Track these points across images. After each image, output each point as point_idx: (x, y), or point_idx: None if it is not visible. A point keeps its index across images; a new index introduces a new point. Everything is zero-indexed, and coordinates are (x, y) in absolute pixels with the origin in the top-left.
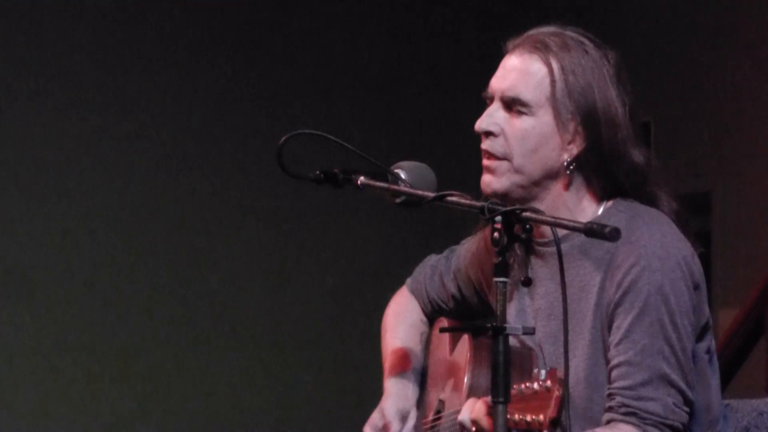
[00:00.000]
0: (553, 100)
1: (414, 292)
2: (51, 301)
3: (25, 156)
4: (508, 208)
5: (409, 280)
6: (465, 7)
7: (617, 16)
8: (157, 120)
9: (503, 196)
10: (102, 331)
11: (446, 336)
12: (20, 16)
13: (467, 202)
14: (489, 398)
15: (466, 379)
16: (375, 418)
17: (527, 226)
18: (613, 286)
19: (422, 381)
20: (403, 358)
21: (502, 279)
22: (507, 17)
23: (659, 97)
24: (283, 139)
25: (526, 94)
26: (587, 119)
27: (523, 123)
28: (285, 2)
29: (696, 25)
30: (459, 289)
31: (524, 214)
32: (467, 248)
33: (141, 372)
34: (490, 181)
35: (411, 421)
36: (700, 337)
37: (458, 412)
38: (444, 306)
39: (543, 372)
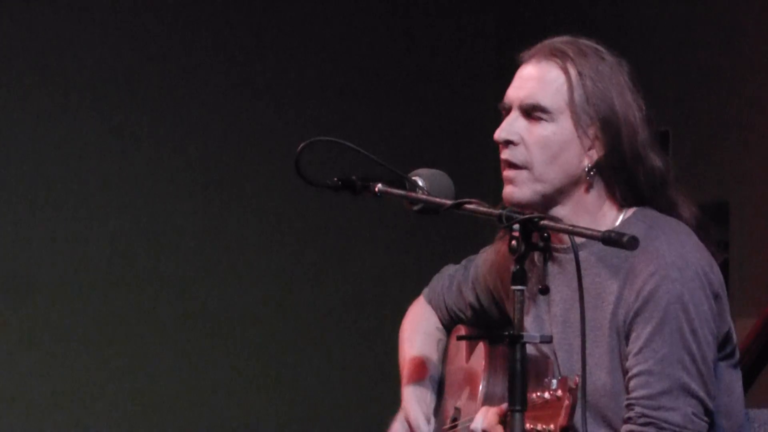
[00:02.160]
0: (572, 105)
1: (431, 302)
2: (51, 301)
3: (25, 156)
4: (526, 216)
5: (426, 290)
6: (483, 15)
7: (635, 26)
8: (165, 123)
9: (526, 206)
10: (103, 331)
11: (463, 344)
12: (23, 14)
13: (485, 209)
14: (502, 406)
15: (481, 387)
16: (398, 429)
17: (545, 235)
18: (632, 296)
19: (439, 389)
20: (421, 366)
21: (519, 287)
22: (525, 27)
23: (677, 106)
24: (301, 146)
25: (545, 100)
26: (606, 124)
27: (543, 130)
28: (302, 9)
29: (715, 34)
30: (477, 299)
31: (542, 222)
32: (485, 257)
33: (144, 373)
34: (512, 192)
35: (431, 428)
36: (722, 346)
37: (473, 420)
38: (462, 315)
39: (554, 381)
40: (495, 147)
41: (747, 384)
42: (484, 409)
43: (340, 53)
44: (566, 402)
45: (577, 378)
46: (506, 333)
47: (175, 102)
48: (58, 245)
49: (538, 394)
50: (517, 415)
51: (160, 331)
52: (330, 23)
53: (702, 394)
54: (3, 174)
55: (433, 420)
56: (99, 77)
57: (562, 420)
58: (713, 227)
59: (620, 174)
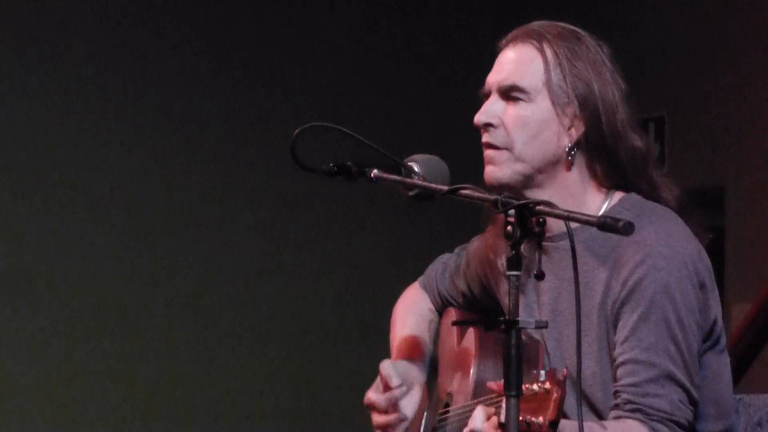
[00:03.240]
0: (549, 84)
1: (425, 287)
2: (52, 301)
3: (25, 155)
4: (522, 201)
5: (420, 278)
6: (481, 2)
7: (630, 11)
8: (160, 115)
9: (507, 186)
10: (105, 331)
11: (454, 327)
12: (26, 12)
13: (480, 195)
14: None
15: (472, 374)
16: (376, 382)
17: (540, 220)
18: (619, 285)
19: (433, 371)
20: (411, 345)
21: (514, 272)
22: (522, 12)
23: (673, 91)
24: (296, 131)
25: (522, 81)
26: (585, 102)
27: (521, 110)
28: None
29: (711, 18)
30: (468, 286)
31: (538, 207)
32: (477, 245)
33: (146, 373)
34: (492, 171)
35: (416, 396)
36: (708, 334)
37: (465, 409)
38: (454, 302)
39: (542, 373)
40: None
41: (742, 369)
42: (480, 408)
43: (337, 41)
44: (555, 395)
45: (565, 370)
46: (501, 318)
47: (170, 95)
48: (57, 245)
49: (526, 386)
50: (513, 401)
51: (157, 326)
52: (327, 11)
53: (687, 383)
54: (3, 174)
55: (417, 389)
56: (98, 72)
57: (551, 414)
58: (706, 218)
59: (601, 153)
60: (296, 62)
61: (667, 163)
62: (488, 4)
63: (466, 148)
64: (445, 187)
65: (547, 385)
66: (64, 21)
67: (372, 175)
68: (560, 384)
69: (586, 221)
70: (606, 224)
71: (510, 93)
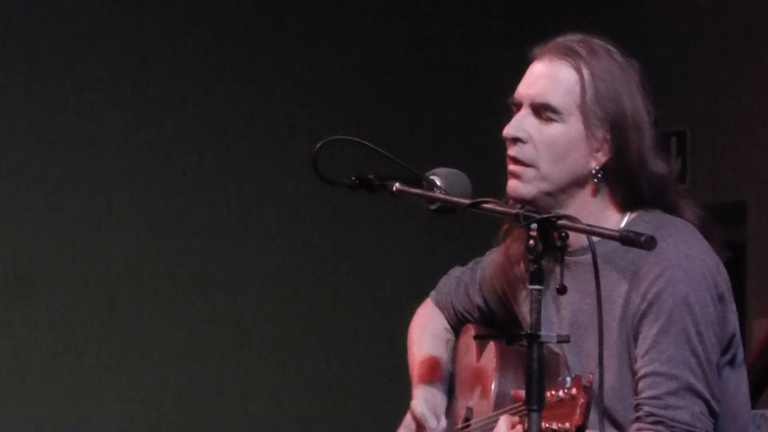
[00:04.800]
0: (583, 106)
1: (439, 303)
2: (53, 301)
3: (25, 155)
4: (544, 215)
5: (433, 293)
6: (499, 12)
7: (652, 25)
8: (178, 122)
9: (529, 203)
10: (106, 332)
11: (473, 344)
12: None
13: (502, 209)
14: (516, 413)
15: (493, 387)
16: (406, 420)
17: (563, 234)
18: (639, 298)
19: (450, 389)
20: (430, 367)
21: (537, 287)
22: (541, 24)
23: (696, 106)
24: (318, 144)
25: (556, 100)
26: (616, 126)
27: (552, 130)
28: (320, 7)
29: (733, 33)
30: (484, 300)
31: (560, 222)
32: (492, 258)
33: (152, 372)
34: (516, 187)
35: (443, 424)
36: (726, 347)
37: (488, 420)
38: (469, 317)
39: (568, 379)
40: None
41: (763, 384)
42: (505, 417)
43: (358, 52)
44: (581, 400)
45: (590, 376)
46: (523, 333)
47: (189, 101)
48: (59, 245)
49: (552, 392)
50: (534, 415)
51: (181, 331)
52: (347, 21)
53: (707, 395)
54: (3, 174)
55: (444, 420)
56: (101, 74)
57: (578, 419)
58: (727, 232)
59: (625, 177)
60: (319, 75)
61: (688, 178)
62: (508, 17)
63: (488, 162)
64: (467, 201)
65: (573, 391)
66: (70, 17)
67: (393, 188)
68: (586, 389)
69: (608, 236)
70: (628, 238)
71: (542, 111)
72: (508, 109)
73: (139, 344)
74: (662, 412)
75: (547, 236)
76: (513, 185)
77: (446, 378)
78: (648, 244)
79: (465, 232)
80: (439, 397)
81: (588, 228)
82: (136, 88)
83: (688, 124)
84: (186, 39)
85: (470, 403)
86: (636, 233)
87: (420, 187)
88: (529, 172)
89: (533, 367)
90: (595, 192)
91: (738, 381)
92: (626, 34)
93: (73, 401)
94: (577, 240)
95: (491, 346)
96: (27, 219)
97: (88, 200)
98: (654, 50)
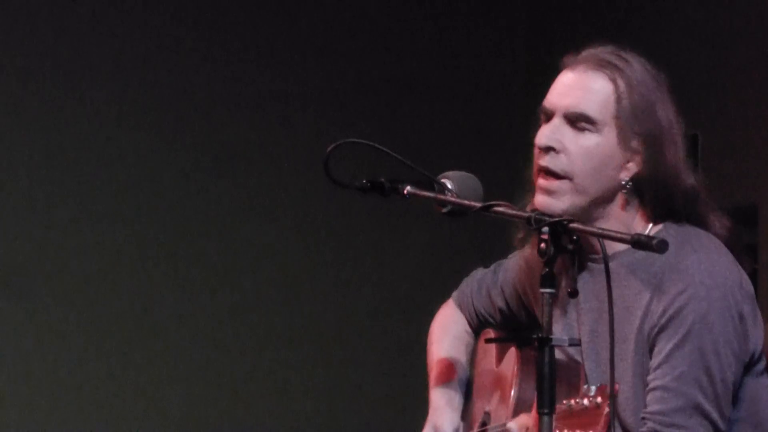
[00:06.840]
0: (619, 118)
1: (460, 305)
2: (53, 301)
3: (26, 155)
4: (555, 219)
5: (455, 294)
6: (513, 17)
7: (664, 28)
8: (182, 121)
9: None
10: (107, 332)
11: (492, 347)
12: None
13: (514, 212)
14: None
15: (513, 392)
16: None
17: (574, 237)
18: (659, 312)
19: (467, 392)
20: (449, 368)
21: (548, 290)
22: (555, 29)
23: (707, 109)
24: (330, 147)
25: (591, 110)
26: (650, 138)
27: (588, 140)
28: (334, 10)
29: (743, 36)
30: (506, 303)
31: (571, 225)
32: (515, 261)
33: (149, 372)
34: (549, 203)
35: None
36: (750, 362)
37: (504, 425)
38: (491, 320)
39: (593, 388)
40: (524, 150)
41: None
42: (523, 415)
43: (369, 55)
44: (606, 410)
45: (617, 385)
46: (534, 335)
47: (197, 103)
48: (58, 244)
49: (577, 400)
50: (545, 418)
51: (182, 331)
52: (360, 25)
53: (715, 416)
54: (4, 173)
55: (461, 424)
56: (102, 72)
57: (601, 429)
58: (742, 236)
59: (655, 188)
60: (330, 78)
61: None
62: (521, 22)
63: (499, 165)
64: (478, 204)
65: (599, 400)
66: (72, 16)
67: (405, 191)
68: (611, 399)
69: (620, 239)
70: (640, 242)
71: (577, 121)
72: (520, 113)
73: (139, 344)
74: (666, 429)
75: (559, 239)
76: (545, 201)
77: (464, 380)
78: (659, 247)
79: (476, 235)
80: (456, 400)
81: (599, 231)
82: (137, 87)
83: (700, 127)
84: (189, 41)
85: (488, 408)
86: (648, 237)
87: (431, 190)
88: (563, 185)
89: (544, 370)
90: (625, 204)
91: (759, 389)
92: (638, 39)
93: (73, 401)
94: (601, 247)
95: (512, 351)
96: (27, 219)
97: (89, 200)
98: (665, 54)
